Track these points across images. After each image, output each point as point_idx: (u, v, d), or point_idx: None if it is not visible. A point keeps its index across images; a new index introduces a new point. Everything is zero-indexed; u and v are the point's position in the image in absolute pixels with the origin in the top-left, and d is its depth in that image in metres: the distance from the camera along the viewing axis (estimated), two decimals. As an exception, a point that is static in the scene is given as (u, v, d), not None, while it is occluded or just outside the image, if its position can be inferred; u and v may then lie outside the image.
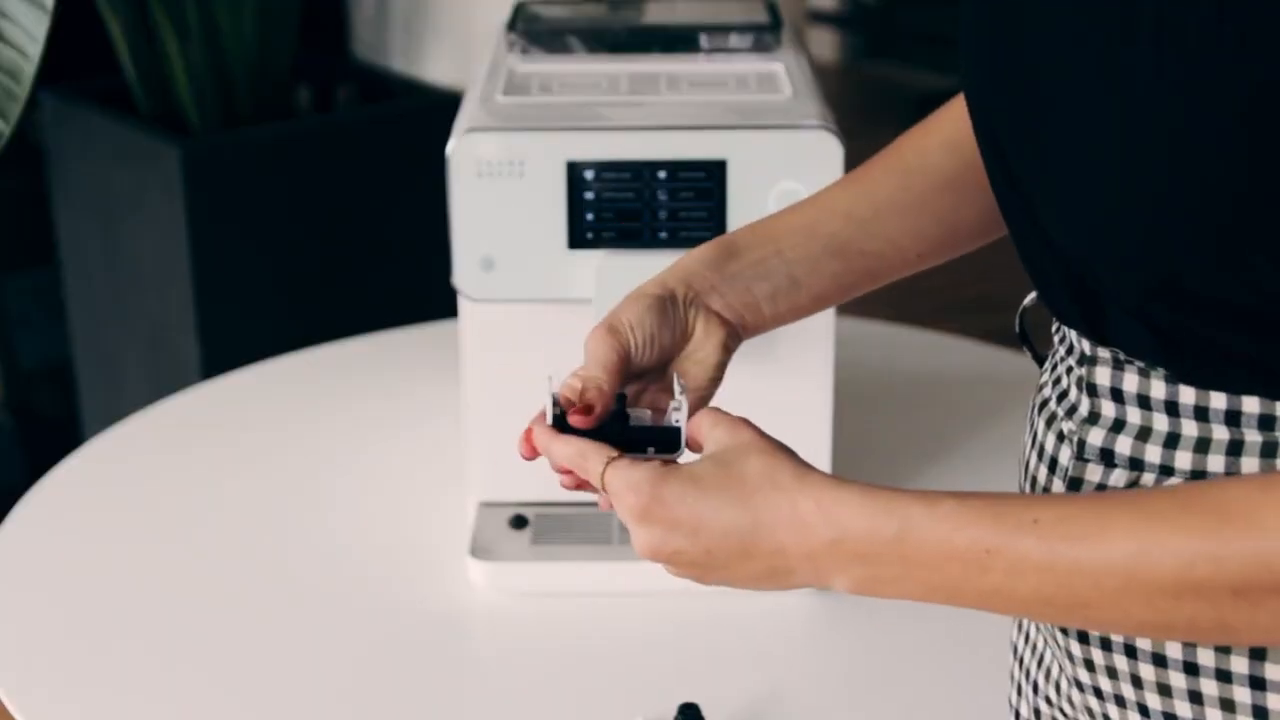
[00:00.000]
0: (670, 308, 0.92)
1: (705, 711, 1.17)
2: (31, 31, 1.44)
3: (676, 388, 0.87)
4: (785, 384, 1.36)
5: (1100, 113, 0.73)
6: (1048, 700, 0.90)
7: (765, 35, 1.47)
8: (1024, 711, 0.93)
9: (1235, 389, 0.75)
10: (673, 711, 1.18)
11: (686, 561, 0.79)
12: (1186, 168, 0.69)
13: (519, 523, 1.39)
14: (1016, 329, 0.98)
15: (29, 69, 1.44)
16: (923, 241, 0.98)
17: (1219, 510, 0.69)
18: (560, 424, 0.85)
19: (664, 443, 0.85)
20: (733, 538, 0.77)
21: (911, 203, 0.97)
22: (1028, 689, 0.93)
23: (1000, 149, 0.82)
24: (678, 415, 0.85)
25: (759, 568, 0.78)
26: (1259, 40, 0.66)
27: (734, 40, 1.47)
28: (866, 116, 5.40)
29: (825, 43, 6.09)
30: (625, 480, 0.80)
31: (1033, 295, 0.94)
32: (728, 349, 0.94)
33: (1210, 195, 0.69)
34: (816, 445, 1.39)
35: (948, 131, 0.98)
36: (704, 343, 0.93)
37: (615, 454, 0.82)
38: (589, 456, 0.82)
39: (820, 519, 0.76)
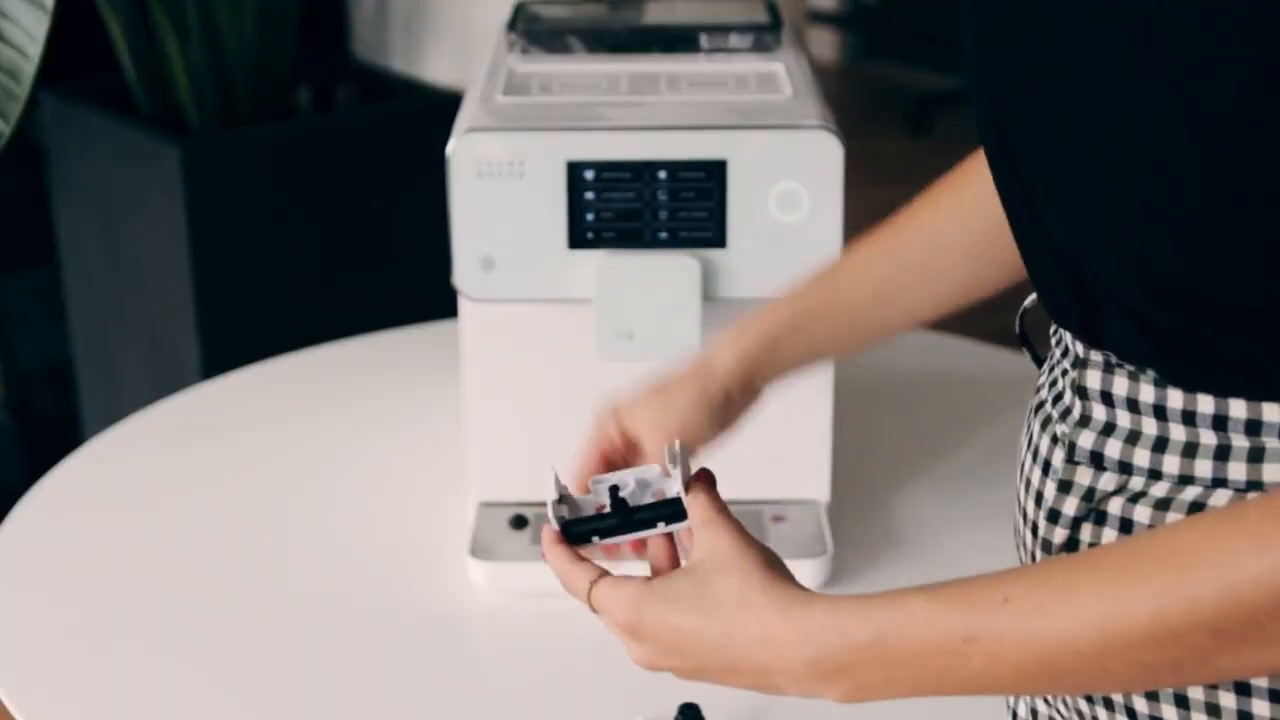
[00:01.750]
0: (728, 410, 1.04)
1: (705, 711, 1.17)
2: (31, 31, 1.44)
3: (668, 458, 0.88)
4: (785, 384, 1.36)
5: (1096, 107, 0.73)
6: (1045, 699, 0.90)
7: (765, 35, 1.47)
8: (1021, 712, 0.94)
9: (1227, 391, 0.75)
10: (673, 711, 1.18)
11: (684, 673, 0.82)
12: (1179, 165, 0.70)
13: (519, 523, 1.38)
14: (1017, 330, 0.99)
15: (29, 69, 1.44)
16: (941, 306, 1.05)
17: (1182, 551, 0.69)
18: (567, 528, 0.88)
19: (671, 515, 0.87)
20: (717, 656, 0.80)
21: (936, 272, 1.03)
22: (1025, 688, 0.93)
23: (1006, 143, 0.82)
24: (676, 486, 0.87)
25: (747, 681, 0.80)
26: (1253, 34, 0.66)
27: (734, 40, 1.47)
28: (866, 116, 5.40)
29: (825, 43, 6.09)
30: (610, 600, 0.83)
31: (1033, 297, 0.94)
32: (750, 412, 1.07)
33: (1203, 193, 0.69)
34: (816, 445, 1.40)
35: (976, 187, 1.01)
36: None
37: (595, 576, 0.84)
38: (575, 578, 0.86)
39: (793, 639, 0.77)
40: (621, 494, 0.89)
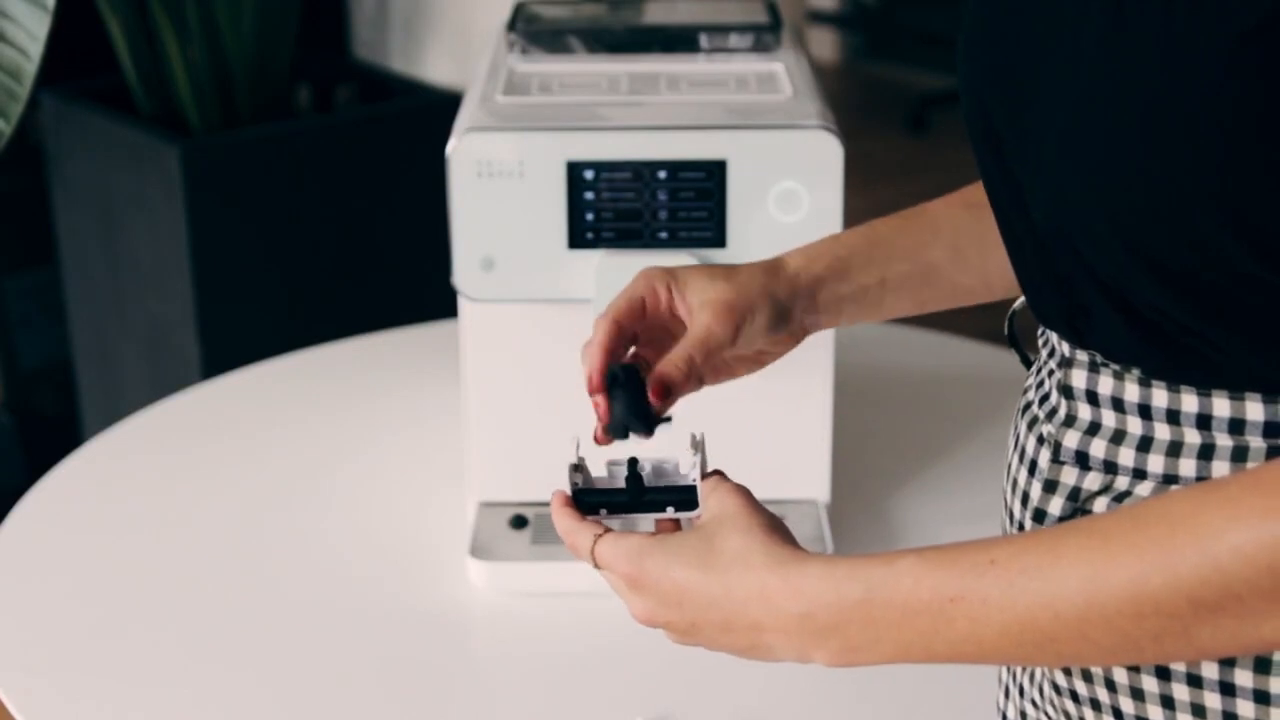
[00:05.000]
0: (782, 319, 0.96)
1: (705, 712, 1.17)
2: (33, 31, 1.44)
3: (690, 445, 0.89)
4: (785, 384, 1.36)
5: (1077, 82, 0.74)
6: (1033, 703, 0.90)
7: (765, 35, 1.47)
8: (1010, 714, 0.94)
9: (1211, 384, 0.76)
10: (673, 712, 1.18)
11: (679, 630, 0.82)
12: (1160, 139, 0.70)
13: (519, 523, 1.39)
14: (1005, 331, 0.99)
15: (30, 69, 1.44)
16: (1012, 280, 0.99)
17: (1167, 521, 0.69)
18: (578, 496, 0.88)
19: (682, 502, 0.87)
20: (713, 611, 0.80)
21: None
22: (1014, 692, 0.93)
23: (995, 137, 0.82)
24: (694, 474, 0.87)
25: (741, 641, 0.80)
26: (1232, 3, 0.66)
27: (734, 40, 1.47)
28: (866, 116, 5.40)
29: (825, 43, 6.09)
30: (613, 553, 0.83)
31: (1022, 299, 0.95)
32: (786, 351, 1.00)
33: (1184, 168, 0.70)
34: (816, 445, 1.40)
35: None
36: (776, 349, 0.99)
37: (601, 530, 0.85)
38: (579, 534, 0.86)
39: (787, 595, 0.77)
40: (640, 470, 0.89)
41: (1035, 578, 0.71)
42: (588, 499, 0.88)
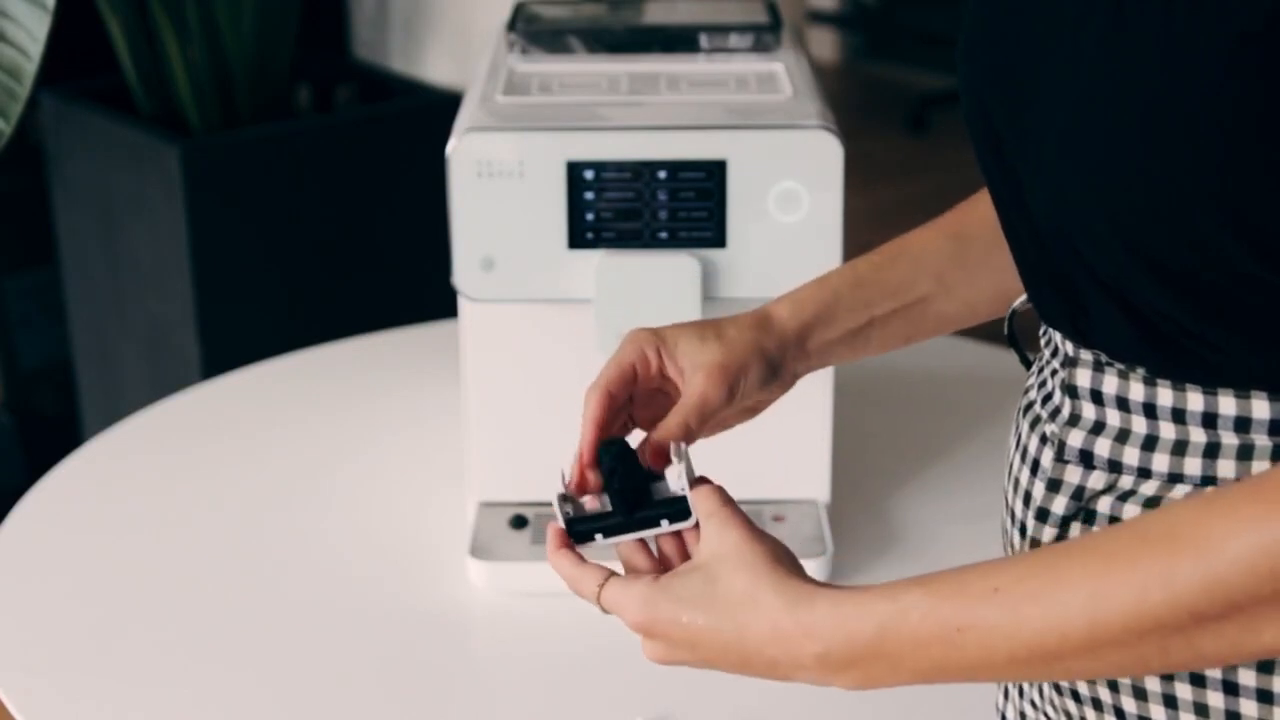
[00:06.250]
0: (774, 377, 0.96)
1: (705, 712, 1.17)
2: (33, 31, 1.44)
3: (674, 453, 0.88)
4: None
5: (1077, 81, 0.74)
6: (1032, 704, 0.90)
7: (765, 35, 1.47)
8: (1010, 715, 0.94)
9: (1215, 382, 0.76)
10: (673, 712, 1.18)
11: (696, 665, 0.83)
12: (1161, 138, 0.70)
13: (519, 523, 1.39)
14: (1005, 331, 0.99)
15: (30, 68, 1.44)
16: (998, 303, 1.00)
17: (1169, 536, 0.69)
18: (571, 526, 0.88)
19: (675, 513, 0.86)
20: (730, 653, 0.80)
21: (1005, 263, 0.94)
22: (1014, 692, 0.93)
23: (995, 137, 0.82)
24: (680, 483, 0.86)
25: (759, 674, 0.81)
26: (1233, 3, 0.66)
27: (734, 40, 1.47)
28: (866, 116, 5.40)
29: (825, 43, 6.09)
30: (620, 601, 0.84)
31: (1022, 299, 0.95)
32: (778, 398, 0.99)
33: (1185, 168, 0.70)
34: (816, 445, 1.40)
35: None
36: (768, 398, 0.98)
37: (603, 578, 0.85)
38: (583, 581, 0.86)
39: (801, 638, 0.78)
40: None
41: (1040, 603, 0.72)
42: (581, 527, 0.87)
